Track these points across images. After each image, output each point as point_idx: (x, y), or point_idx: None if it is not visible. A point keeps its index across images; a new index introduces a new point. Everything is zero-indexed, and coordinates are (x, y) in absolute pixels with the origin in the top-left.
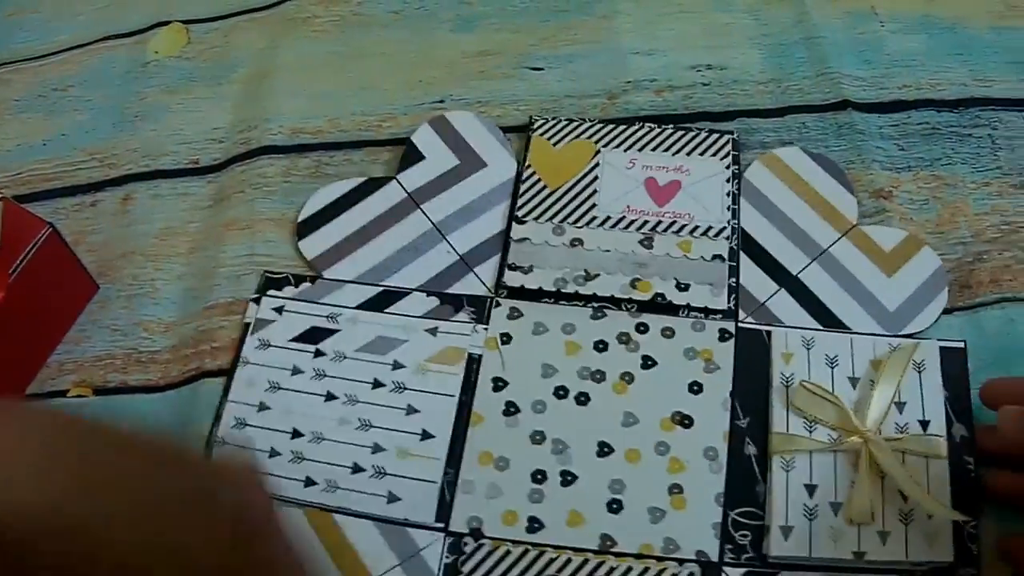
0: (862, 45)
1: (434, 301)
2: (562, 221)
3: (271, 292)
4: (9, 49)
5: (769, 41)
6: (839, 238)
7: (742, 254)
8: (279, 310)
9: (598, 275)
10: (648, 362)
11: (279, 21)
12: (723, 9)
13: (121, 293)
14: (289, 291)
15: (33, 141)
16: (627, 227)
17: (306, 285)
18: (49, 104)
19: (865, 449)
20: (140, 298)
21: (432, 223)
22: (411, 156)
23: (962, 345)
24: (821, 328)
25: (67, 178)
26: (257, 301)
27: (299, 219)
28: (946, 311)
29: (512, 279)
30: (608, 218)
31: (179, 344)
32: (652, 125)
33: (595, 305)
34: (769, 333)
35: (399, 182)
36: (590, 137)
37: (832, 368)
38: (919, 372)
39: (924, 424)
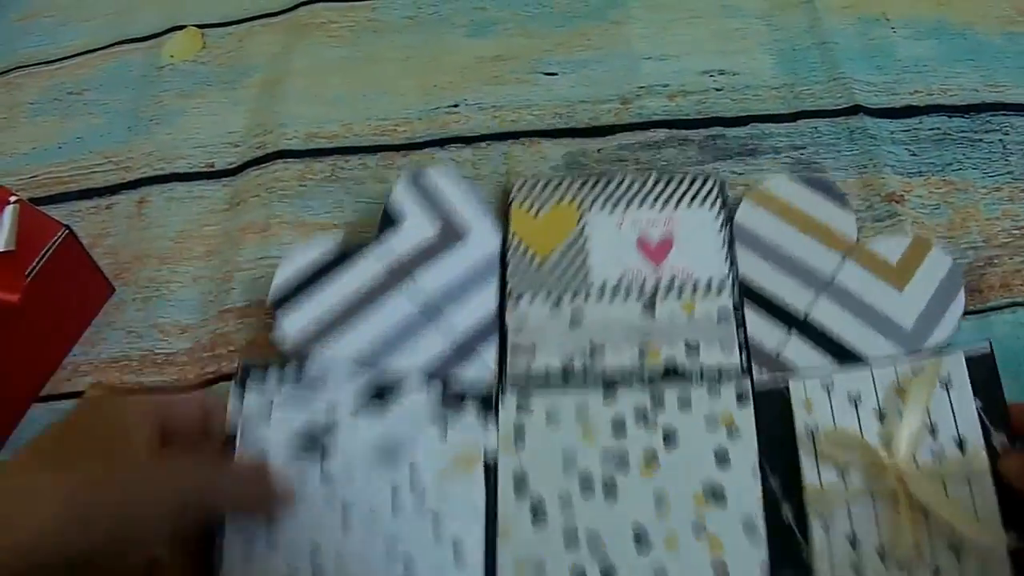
0: (874, 51)
1: (437, 391)
2: (558, 295)
3: (254, 383)
4: (20, 53)
5: (781, 46)
6: (842, 261)
7: (746, 305)
8: (267, 405)
9: (605, 347)
10: (670, 438)
11: (294, 26)
12: (734, 15)
13: (137, 296)
14: (274, 381)
15: (48, 144)
16: (627, 294)
17: (292, 373)
18: (64, 107)
19: (901, 486)
20: (156, 301)
21: (421, 301)
22: (389, 219)
23: (988, 349)
24: (839, 366)
25: (83, 181)
26: (240, 395)
27: (271, 294)
28: None
29: (516, 365)
30: (605, 285)
31: (195, 347)
32: (634, 178)
33: (605, 384)
34: (787, 385)
35: (378, 251)
36: (572, 200)
37: (856, 406)
38: (947, 389)
39: (960, 443)
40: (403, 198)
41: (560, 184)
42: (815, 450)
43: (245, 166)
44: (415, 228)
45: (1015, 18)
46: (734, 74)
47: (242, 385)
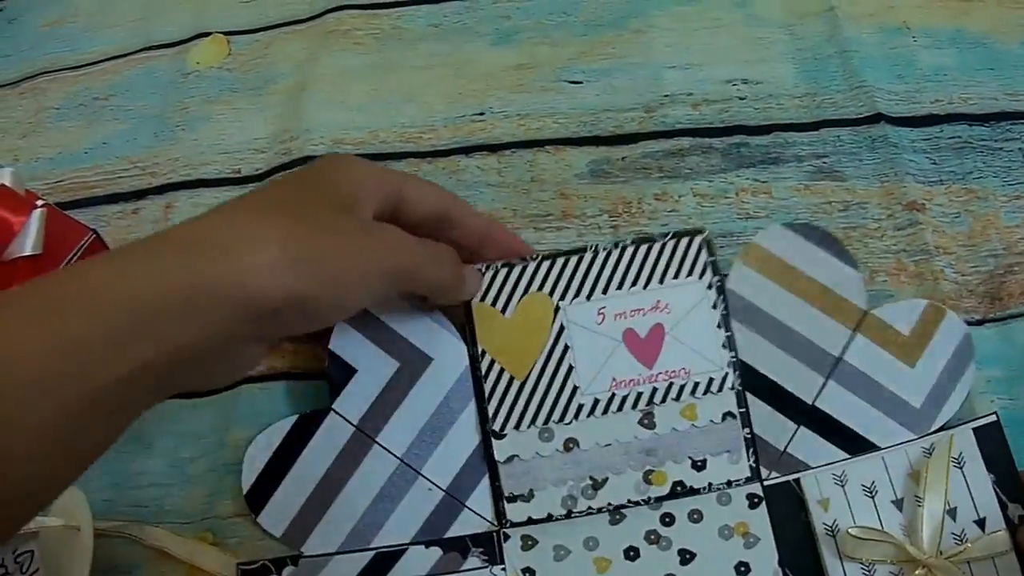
0: (895, 60)
1: (436, 552)
2: (546, 422)
3: None
4: (46, 58)
5: (803, 56)
6: (852, 336)
7: (750, 396)
8: None
9: (607, 479)
10: (686, 556)
11: (319, 34)
12: (757, 24)
13: None
14: None
15: (74, 149)
16: (620, 407)
17: (290, 570)
18: (90, 113)
19: None
20: None
21: (397, 458)
22: (341, 371)
23: (995, 418)
24: (849, 457)
25: (109, 186)
26: None
27: (244, 490)
28: (978, 323)
29: (515, 513)
30: (597, 402)
31: None
32: (606, 246)
33: (611, 508)
34: (799, 481)
35: (338, 413)
36: (541, 286)
37: (872, 497)
38: (960, 467)
39: (981, 523)
40: (348, 347)
41: (523, 266)
42: (838, 550)
43: (271, 172)
44: (372, 375)
45: None
46: (757, 83)
47: None
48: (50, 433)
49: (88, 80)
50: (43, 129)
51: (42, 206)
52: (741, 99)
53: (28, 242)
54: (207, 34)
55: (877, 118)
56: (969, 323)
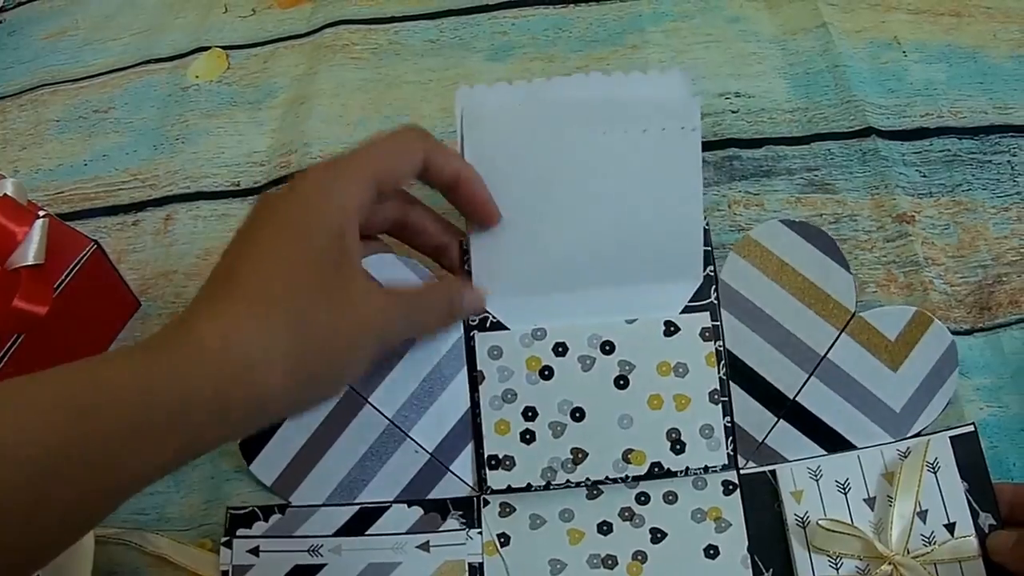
0: (885, 74)
1: (417, 511)
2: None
3: (241, 532)
4: (46, 71)
5: (795, 70)
6: (838, 336)
7: (733, 385)
8: (255, 552)
9: (587, 455)
10: (657, 535)
11: (317, 48)
12: (749, 39)
13: (163, 311)
14: (259, 527)
15: (75, 161)
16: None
17: (276, 517)
18: (90, 125)
19: (896, 574)
20: None
21: (387, 418)
22: None
23: (972, 429)
24: (825, 452)
25: (109, 198)
26: (228, 544)
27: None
28: (967, 332)
29: (496, 480)
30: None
31: None
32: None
33: (588, 483)
34: (774, 472)
35: None
36: None
37: (845, 494)
38: (935, 472)
39: (950, 527)
40: None
41: None
42: (807, 541)
43: (270, 185)
44: None
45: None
46: (749, 97)
47: (229, 533)
48: (71, 516)
49: (88, 93)
50: (43, 141)
51: (44, 216)
52: (733, 112)
53: (31, 252)
54: (206, 48)
55: (868, 132)
56: (958, 333)
